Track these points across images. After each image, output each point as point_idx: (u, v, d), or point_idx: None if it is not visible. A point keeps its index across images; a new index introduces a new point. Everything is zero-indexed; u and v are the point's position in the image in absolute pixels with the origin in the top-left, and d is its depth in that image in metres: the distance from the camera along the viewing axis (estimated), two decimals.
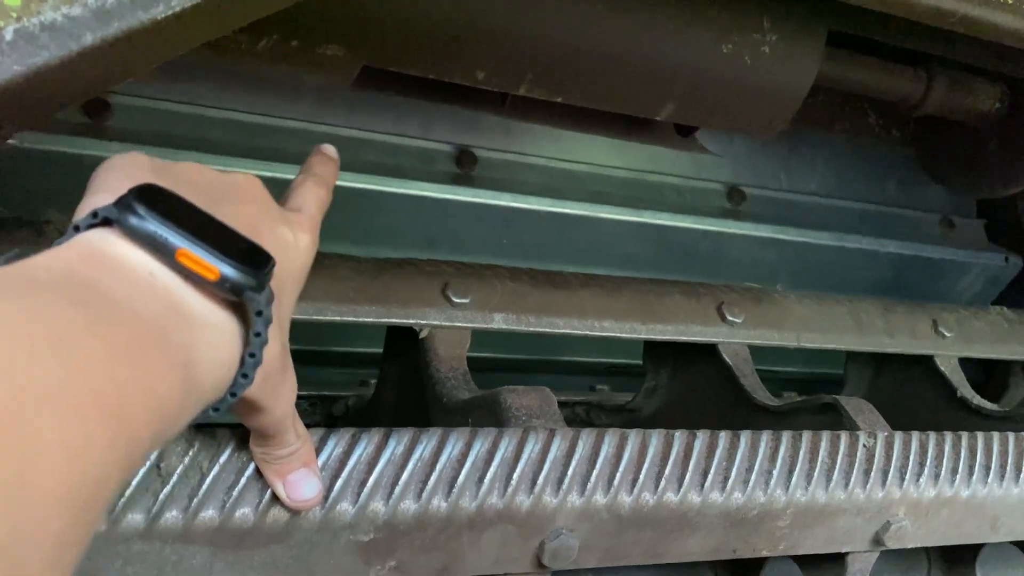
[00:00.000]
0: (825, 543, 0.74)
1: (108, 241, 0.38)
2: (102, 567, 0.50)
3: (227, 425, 0.54)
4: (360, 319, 0.71)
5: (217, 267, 0.39)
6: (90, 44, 0.41)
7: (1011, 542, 0.92)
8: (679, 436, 0.67)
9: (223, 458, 0.53)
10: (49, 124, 0.84)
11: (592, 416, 1.08)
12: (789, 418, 0.82)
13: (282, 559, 0.55)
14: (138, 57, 0.45)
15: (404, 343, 0.81)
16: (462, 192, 1.02)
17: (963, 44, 0.92)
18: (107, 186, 0.41)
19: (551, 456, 0.62)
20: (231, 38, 0.68)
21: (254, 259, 0.41)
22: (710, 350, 0.88)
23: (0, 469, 0.26)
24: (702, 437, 0.68)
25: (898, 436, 0.76)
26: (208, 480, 0.52)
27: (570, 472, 0.62)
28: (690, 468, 0.66)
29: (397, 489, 0.57)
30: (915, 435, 0.77)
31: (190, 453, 0.52)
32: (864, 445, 0.74)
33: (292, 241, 0.48)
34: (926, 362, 1.00)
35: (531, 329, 0.78)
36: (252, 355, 0.42)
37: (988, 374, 1.31)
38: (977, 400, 0.98)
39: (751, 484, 0.68)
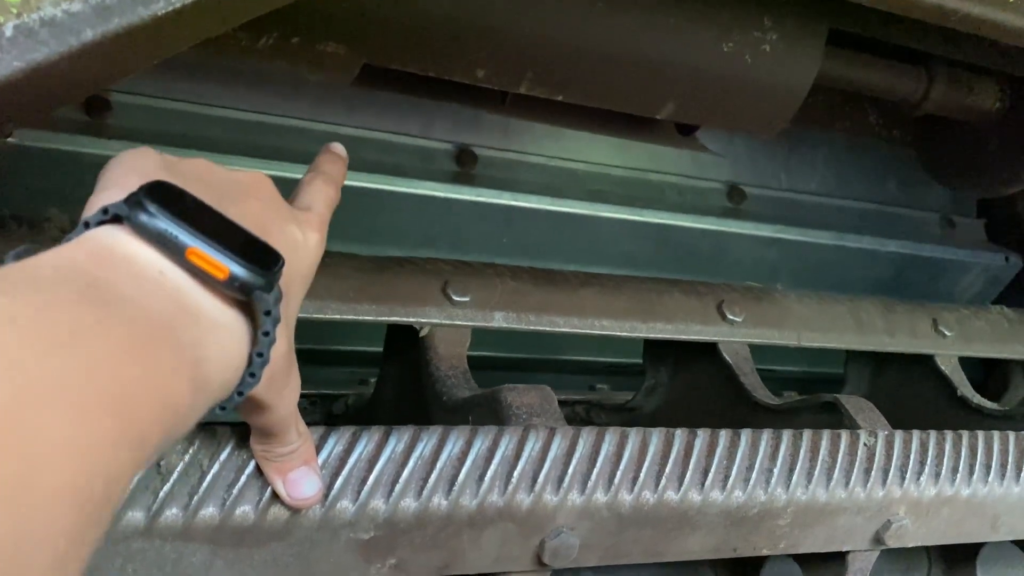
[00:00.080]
0: (826, 542, 0.74)
1: (118, 238, 0.37)
2: (101, 565, 0.50)
3: (227, 423, 0.53)
4: (360, 317, 0.71)
5: (227, 266, 0.38)
6: (90, 40, 0.41)
7: (1011, 541, 0.92)
8: (679, 435, 0.67)
9: (223, 456, 0.53)
10: (49, 122, 0.84)
11: (592, 415, 1.08)
12: (790, 417, 0.82)
13: (282, 557, 0.55)
14: (138, 53, 0.45)
15: (404, 342, 0.81)
16: (462, 191, 1.02)
17: (964, 43, 0.92)
18: (116, 182, 0.41)
19: (551, 454, 0.62)
20: (231, 35, 0.68)
21: (263, 258, 0.41)
22: (710, 349, 0.88)
23: (6, 467, 0.26)
24: (703, 436, 0.68)
25: (898, 435, 0.76)
26: (208, 478, 0.52)
27: (571, 470, 0.62)
28: (691, 467, 0.66)
29: (397, 487, 0.57)
30: (915, 434, 0.77)
31: (190, 451, 0.52)
32: (865, 444, 0.74)
33: (301, 240, 0.48)
34: (926, 361, 1.00)
35: (531, 328, 0.78)
36: (260, 354, 0.42)
37: (988, 373, 1.31)
38: (977, 399, 0.98)
39: (752, 483, 0.68)
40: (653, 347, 0.99)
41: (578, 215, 1.07)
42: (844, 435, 0.73)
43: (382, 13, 0.71)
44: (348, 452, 0.56)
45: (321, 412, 1.02)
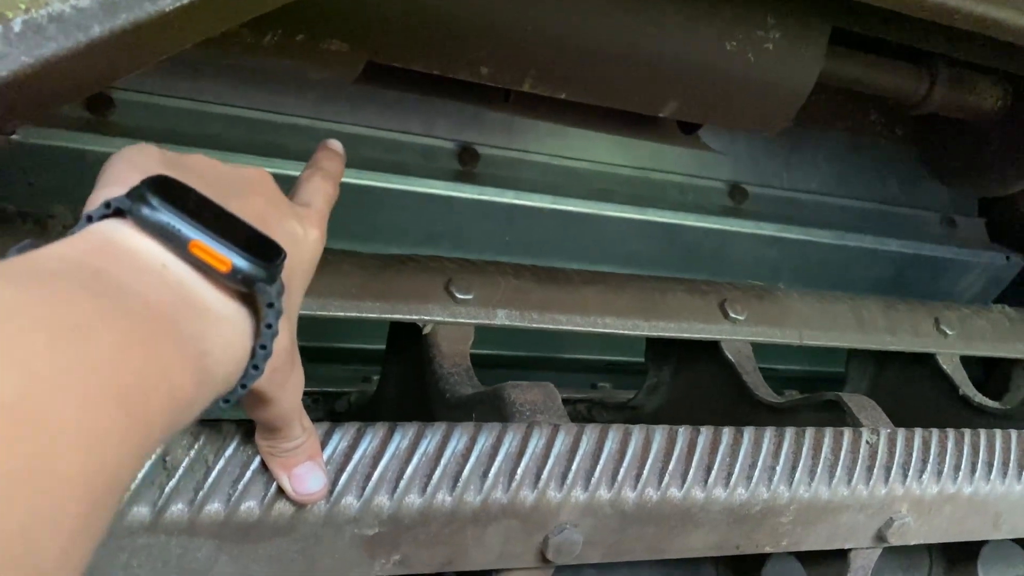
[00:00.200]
0: (828, 539, 0.74)
1: (120, 232, 0.38)
2: (107, 560, 0.50)
3: (232, 419, 0.54)
4: (363, 315, 0.71)
5: (229, 258, 0.39)
6: (98, 36, 0.41)
7: (1012, 539, 0.93)
8: (682, 432, 0.67)
9: (228, 451, 0.53)
10: (52, 119, 0.84)
11: (594, 414, 1.08)
12: (792, 415, 0.82)
13: (287, 552, 0.55)
14: (145, 50, 0.45)
15: (407, 339, 0.81)
16: (465, 189, 1.02)
17: (966, 42, 0.92)
18: (118, 178, 0.41)
19: (555, 451, 0.62)
20: (235, 33, 0.68)
21: (265, 251, 0.41)
22: (713, 347, 0.88)
23: (19, 455, 0.26)
24: (705, 433, 0.68)
25: (901, 433, 0.76)
26: (214, 473, 0.52)
27: (574, 467, 0.62)
28: (693, 464, 0.67)
29: (402, 483, 0.57)
30: (918, 432, 0.77)
31: (196, 447, 0.52)
32: (867, 442, 0.74)
33: (301, 235, 0.48)
34: (928, 360, 1.00)
35: (534, 326, 0.78)
36: (263, 347, 0.42)
37: (989, 372, 1.31)
38: (979, 398, 0.98)
39: (754, 480, 0.68)
40: (655, 345, 0.99)
41: (580, 213, 1.08)
42: (847, 433, 0.74)
43: (386, 11, 0.71)
44: (353, 448, 0.56)
45: (324, 409, 1.02)
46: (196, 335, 0.37)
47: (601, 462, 0.63)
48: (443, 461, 0.59)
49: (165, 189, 0.39)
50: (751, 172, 1.23)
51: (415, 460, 0.58)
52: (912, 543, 0.78)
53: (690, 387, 0.96)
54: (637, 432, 0.66)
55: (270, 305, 0.41)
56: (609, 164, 1.13)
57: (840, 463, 0.72)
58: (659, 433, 0.66)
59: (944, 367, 1.00)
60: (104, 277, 0.35)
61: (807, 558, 0.80)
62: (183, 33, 0.46)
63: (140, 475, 0.50)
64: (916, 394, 1.03)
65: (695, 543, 0.68)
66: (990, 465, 0.79)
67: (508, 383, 0.67)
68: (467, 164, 1.05)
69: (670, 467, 0.66)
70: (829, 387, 1.09)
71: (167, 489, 0.51)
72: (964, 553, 0.97)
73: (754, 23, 0.81)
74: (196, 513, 0.52)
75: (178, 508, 0.51)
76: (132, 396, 0.32)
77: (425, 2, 0.71)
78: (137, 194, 0.38)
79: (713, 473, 0.67)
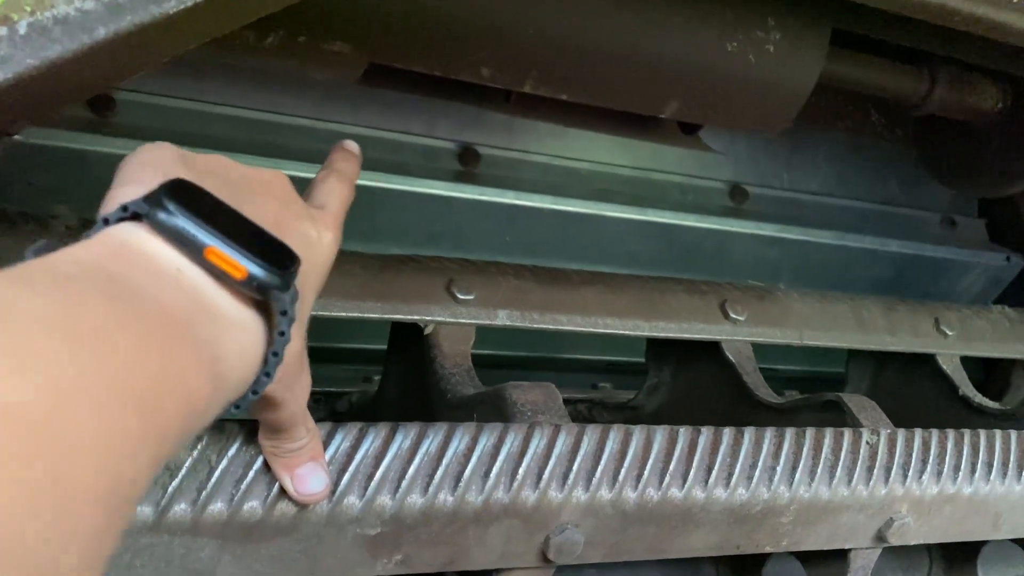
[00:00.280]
0: (828, 539, 0.74)
1: (137, 236, 0.38)
2: (110, 560, 0.50)
3: (235, 419, 0.54)
4: (365, 315, 0.72)
5: (244, 265, 0.39)
6: (102, 38, 0.41)
7: (1012, 540, 0.93)
8: (683, 432, 0.68)
9: (231, 451, 0.53)
10: (53, 119, 0.84)
11: (594, 414, 1.08)
12: (792, 415, 0.82)
13: (289, 552, 0.55)
14: (149, 52, 0.45)
15: (408, 339, 0.81)
16: (465, 189, 1.02)
17: (966, 43, 0.92)
18: (135, 177, 0.41)
19: (556, 451, 0.62)
20: (238, 34, 0.69)
21: (280, 258, 0.41)
22: (713, 348, 0.88)
23: (38, 466, 0.26)
24: (706, 434, 0.68)
25: (901, 433, 0.76)
26: (216, 473, 0.52)
27: (575, 467, 0.62)
28: (694, 464, 0.67)
29: (404, 483, 0.57)
30: (918, 432, 0.77)
31: (198, 446, 0.53)
32: (867, 442, 0.74)
33: (316, 238, 0.48)
34: (928, 360, 1.01)
35: (535, 326, 0.78)
36: (275, 353, 0.42)
37: (989, 373, 1.31)
38: (979, 398, 0.98)
39: (755, 480, 0.69)
40: (656, 346, 0.99)
41: (581, 214, 1.08)
42: (847, 433, 0.74)
43: (387, 13, 0.72)
44: (355, 448, 0.57)
45: (325, 409, 1.03)
46: (211, 340, 0.37)
47: (602, 462, 0.63)
48: (445, 461, 0.59)
49: (182, 194, 0.39)
50: (751, 172, 1.23)
51: (417, 460, 0.58)
52: (912, 543, 0.78)
53: (690, 387, 0.96)
54: (638, 432, 0.66)
55: (283, 312, 0.41)
56: (610, 165, 1.13)
57: (840, 463, 0.72)
58: (660, 433, 0.67)
59: (944, 367, 1.00)
60: (121, 281, 0.35)
61: (807, 558, 0.81)
62: (187, 35, 0.46)
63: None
64: (916, 394, 1.03)
65: (696, 543, 0.69)
66: (990, 465, 0.79)
67: (509, 383, 0.68)
68: (468, 164, 1.05)
69: (671, 467, 0.66)
70: (829, 387, 1.09)
71: (170, 489, 0.51)
72: (964, 553, 0.97)
73: (755, 24, 0.82)
74: (199, 513, 0.52)
75: (181, 508, 0.52)
76: (148, 403, 0.32)
77: (426, 4, 0.72)
78: (154, 198, 0.38)
79: (714, 473, 0.67)
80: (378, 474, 0.57)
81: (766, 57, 0.83)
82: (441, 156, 1.04)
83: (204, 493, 0.52)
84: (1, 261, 0.61)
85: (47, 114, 0.47)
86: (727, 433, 0.69)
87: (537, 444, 0.62)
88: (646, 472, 0.65)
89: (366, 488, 0.56)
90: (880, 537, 0.76)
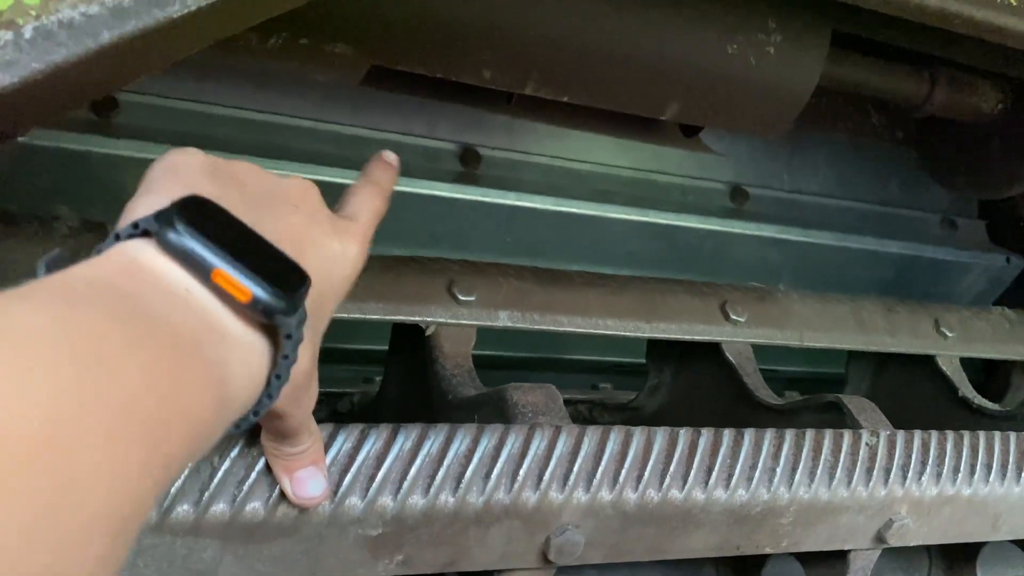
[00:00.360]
0: (828, 540, 0.74)
1: (146, 252, 0.37)
2: None
3: None
4: (366, 316, 0.72)
5: (250, 288, 0.38)
6: (107, 42, 0.42)
7: (1012, 541, 0.93)
8: (683, 434, 0.68)
9: (234, 452, 0.53)
10: (56, 121, 0.84)
11: (595, 414, 1.09)
12: (792, 417, 0.83)
13: (291, 553, 0.55)
14: (154, 55, 0.46)
15: (409, 340, 0.82)
16: (466, 190, 1.02)
17: (966, 45, 0.92)
18: (158, 187, 0.41)
19: (557, 452, 0.62)
20: (241, 36, 0.69)
21: (289, 280, 0.41)
22: (713, 349, 0.89)
23: (43, 495, 0.26)
24: (706, 435, 0.69)
25: (900, 435, 0.76)
26: (219, 474, 0.53)
27: (576, 468, 0.63)
28: (694, 465, 0.67)
29: (405, 484, 0.57)
30: (917, 434, 0.77)
31: None
32: (867, 443, 0.74)
33: (339, 252, 0.47)
34: (928, 362, 1.01)
35: (536, 327, 0.78)
36: (278, 376, 0.42)
37: (989, 374, 1.32)
38: (978, 400, 0.99)
39: (755, 481, 0.69)
40: (656, 347, 1.00)
41: (582, 215, 1.08)
42: (846, 435, 0.74)
43: (389, 15, 0.72)
44: (357, 449, 0.57)
45: (326, 410, 1.03)
46: (218, 361, 0.37)
47: (603, 463, 0.64)
48: (446, 462, 0.59)
49: (194, 212, 0.38)
50: (752, 174, 1.23)
51: (418, 461, 0.58)
52: (911, 544, 0.79)
53: (691, 388, 0.96)
54: (638, 434, 0.66)
55: (288, 336, 0.41)
56: (610, 166, 1.13)
57: (840, 465, 0.72)
58: (660, 435, 0.67)
59: (944, 369, 1.00)
60: (131, 300, 0.35)
61: (807, 559, 0.81)
62: (191, 38, 0.47)
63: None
64: (916, 396, 1.04)
65: (696, 544, 0.69)
66: (989, 467, 0.79)
67: (510, 385, 0.68)
68: (469, 166, 1.05)
69: (671, 468, 0.66)
70: (829, 388, 1.10)
71: (172, 490, 0.52)
72: (963, 554, 0.98)
73: (755, 27, 0.82)
74: (201, 514, 0.52)
75: (183, 509, 0.52)
76: (155, 429, 0.31)
77: (428, 6, 0.72)
78: (165, 217, 0.38)
79: (714, 474, 0.67)
80: (380, 475, 0.57)
81: (767, 59, 0.83)
82: (442, 157, 1.04)
83: (206, 494, 0.52)
84: (4, 262, 0.62)
85: (52, 118, 0.47)
86: (727, 434, 0.69)
87: (538, 445, 0.62)
88: (646, 473, 0.65)
89: (368, 489, 0.56)
90: (880, 538, 0.76)
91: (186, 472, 0.52)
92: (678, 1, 0.78)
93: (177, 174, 0.42)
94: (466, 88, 0.83)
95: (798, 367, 1.33)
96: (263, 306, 0.39)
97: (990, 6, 0.67)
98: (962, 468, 0.78)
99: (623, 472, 0.64)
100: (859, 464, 0.73)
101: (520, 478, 0.61)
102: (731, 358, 0.88)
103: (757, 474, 0.69)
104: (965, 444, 0.79)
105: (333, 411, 1.03)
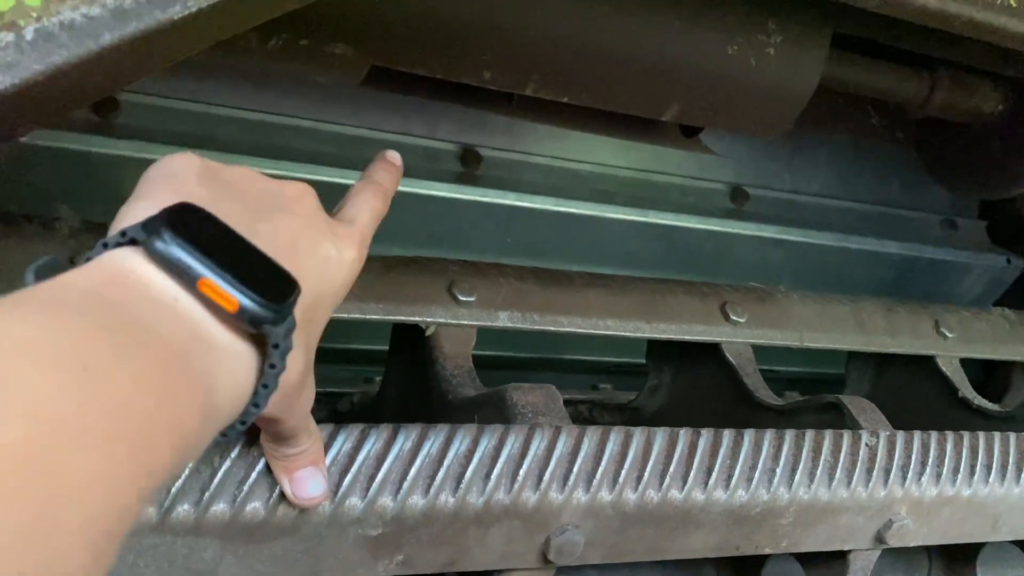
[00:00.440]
0: (827, 541, 0.74)
1: (134, 261, 0.37)
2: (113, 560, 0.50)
3: None
4: (366, 316, 0.72)
5: (237, 298, 0.38)
6: (108, 43, 0.42)
7: (1012, 541, 0.93)
8: (683, 434, 0.68)
9: (234, 453, 0.53)
10: (57, 121, 0.85)
11: (595, 415, 1.09)
12: (792, 417, 0.83)
13: (291, 553, 0.55)
14: (155, 56, 0.46)
15: (409, 340, 0.82)
16: (467, 191, 1.03)
17: (967, 46, 0.92)
18: (150, 193, 0.41)
19: (557, 453, 0.62)
20: (241, 36, 0.69)
21: (278, 288, 0.41)
22: (713, 349, 0.89)
23: (30, 504, 0.26)
24: (706, 435, 0.69)
25: (900, 435, 0.76)
26: (219, 474, 0.53)
27: (576, 469, 0.63)
28: (694, 466, 0.67)
29: (405, 484, 0.57)
30: (917, 434, 0.77)
31: None
32: (866, 444, 0.74)
33: (335, 256, 0.47)
34: (928, 362, 1.01)
35: (536, 327, 0.78)
36: (265, 386, 0.42)
37: (989, 375, 1.32)
38: (978, 400, 0.98)
39: (754, 482, 0.69)
40: (656, 347, 1.00)
41: (582, 215, 1.08)
42: (846, 435, 0.74)
43: (390, 16, 0.72)
44: (357, 449, 0.57)
45: (327, 410, 1.03)
46: (205, 370, 0.37)
47: (603, 464, 0.64)
48: (446, 462, 0.59)
49: (182, 220, 0.38)
50: (752, 174, 1.23)
51: (418, 461, 0.58)
52: (911, 545, 0.79)
53: (691, 389, 0.96)
54: (638, 434, 0.66)
55: (276, 346, 0.41)
56: (610, 166, 1.14)
57: (840, 465, 0.73)
58: (660, 435, 0.67)
59: (944, 369, 1.00)
60: (118, 309, 0.35)
61: (807, 559, 0.81)
62: (192, 39, 0.47)
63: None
64: (916, 396, 1.04)
65: (695, 544, 0.69)
66: (989, 467, 0.79)
67: (510, 385, 0.68)
68: (469, 166, 1.05)
69: (671, 469, 0.66)
70: (829, 389, 1.10)
71: (173, 490, 0.52)
72: (963, 555, 0.98)
73: (756, 28, 0.82)
74: (202, 513, 0.52)
75: (184, 508, 0.52)
76: (141, 441, 0.31)
77: (429, 7, 0.72)
78: (152, 226, 0.38)
79: (714, 475, 0.68)
80: (380, 475, 0.57)
81: (767, 60, 0.83)
82: (442, 158, 1.04)
83: (207, 494, 0.52)
84: (4, 263, 0.62)
85: (53, 119, 0.47)
86: (727, 435, 0.70)
87: (538, 446, 0.62)
88: (646, 473, 0.65)
89: (368, 489, 0.57)
90: (879, 539, 0.76)
91: (187, 472, 0.52)
92: (679, 2, 0.78)
93: (170, 180, 0.42)
94: (466, 88, 0.83)
95: (798, 368, 1.34)
96: (250, 315, 0.39)
97: (990, 7, 0.67)
98: (962, 469, 0.78)
99: (623, 472, 0.64)
100: (859, 464, 0.73)
101: (520, 478, 0.61)
102: (731, 358, 0.88)
103: (757, 474, 0.69)
104: (965, 445, 0.79)
105: (333, 411, 1.03)
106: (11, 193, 0.85)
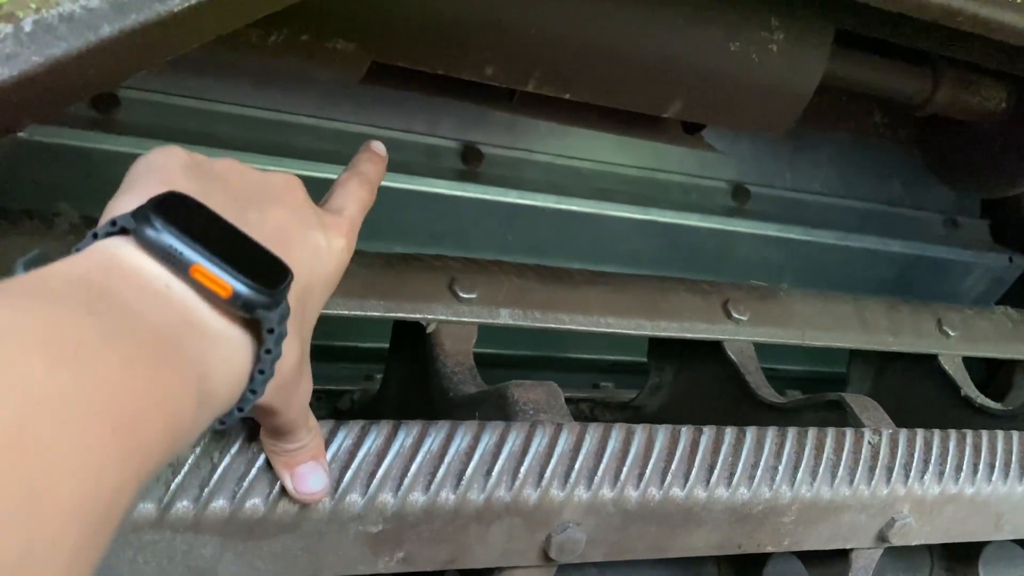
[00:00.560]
0: (829, 539, 0.74)
1: (125, 250, 0.37)
2: (112, 557, 0.50)
3: None
4: (368, 314, 0.72)
5: (230, 284, 0.38)
6: (107, 36, 0.42)
7: (1014, 540, 0.93)
8: (685, 431, 0.68)
9: (234, 449, 0.53)
10: (57, 117, 0.85)
11: (596, 413, 1.09)
12: (794, 415, 0.82)
13: (291, 549, 0.55)
14: (154, 49, 0.45)
15: (411, 338, 0.82)
16: (468, 188, 1.02)
17: (970, 43, 0.92)
18: (137, 186, 0.41)
19: (558, 450, 0.62)
20: (241, 32, 0.69)
21: (271, 274, 0.41)
22: (715, 347, 0.89)
23: (16, 484, 0.26)
24: (708, 433, 0.69)
25: (903, 433, 0.76)
26: (219, 470, 0.52)
27: (577, 466, 0.62)
28: (696, 463, 0.67)
29: (406, 481, 0.57)
30: (920, 433, 0.77)
31: (201, 443, 0.53)
32: (869, 442, 0.74)
33: (324, 246, 0.47)
34: (930, 361, 1.01)
35: (537, 325, 0.78)
36: (261, 371, 0.41)
37: (991, 373, 1.31)
38: (981, 399, 0.98)
39: (756, 480, 0.69)
40: (658, 345, 0.99)
41: (583, 213, 1.08)
42: (849, 433, 0.74)
43: (392, 12, 0.72)
44: (357, 446, 0.57)
45: (327, 408, 1.03)
46: (198, 357, 0.37)
47: (604, 461, 0.63)
48: (447, 459, 0.59)
49: (172, 208, 0.38)
50: (754, 172, 1.23)
51: (419, 458, 0.58)
52: (914, 543, 0.78)
53: (692, 387, 0.96)
54: (640, 432, 0.66)
55: (271, 331, 0.41)
56: (612, 164, 1.13)
57: (842, 463, 0.72)
58: (662, 433, 0.67)
59: (946, 368, 1.00)
60: (108, 296, 0.34)
61: (809, 558, 0.81)
62: (191, 33, 0.46)
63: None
64: (918, 395, 1.03)
65: (697, 542, 0.69)
66: (992, 466, 0.79)
67: (511, 382, 0.68)
68: (471, 163, 1.05)
69: (673, 466, 0.66)
70: (831, 387, 1.10)
71: (173, 486, 0.52)
72: (966, 554, 0.97)
73: (758, 25, 0.82)
74: (201, 510, 0.52)
75: (183, 505, 0.52)
76: (132, 422, 0.31)
77: (430, 3, 0.72)
78: (142, 214, 0.37)
79: (716, 473, 0.67)
80: (380, 472, 0.57)
81: (769, 57, 0.83)
82: (444, 155, 1.04)
83: (207, 490, 0.52)
84: (3, 259, 0.62)
85: (51, 112, 0.47)
86: (729, 433, 0.69)
87: (539, 443, 0.62)
88: (648, 471, 0.65)
89: (368, 486, 0.56)
90: (882, 537, 0.76)
91: (186, 468, 0.52)
92: None
93: (157, 172, 0.42)
94: (468, 85, 0.83)
95: (800, 366, 1.33)
96: (243, 301, 0.39)
97: (994, 3, 0.67)
98: (964, 467, 0.78)
99: (624, 470, 0.64)
100: (861, 463, 0.73)
101: (521, 475, 0.61)
102: (733, 357, 0.88)
103: (759, 473, 0.69)
104: (967, 443, 0.79)
105: (334, 408, 1.03)
106: (12, 189, 0.85)
